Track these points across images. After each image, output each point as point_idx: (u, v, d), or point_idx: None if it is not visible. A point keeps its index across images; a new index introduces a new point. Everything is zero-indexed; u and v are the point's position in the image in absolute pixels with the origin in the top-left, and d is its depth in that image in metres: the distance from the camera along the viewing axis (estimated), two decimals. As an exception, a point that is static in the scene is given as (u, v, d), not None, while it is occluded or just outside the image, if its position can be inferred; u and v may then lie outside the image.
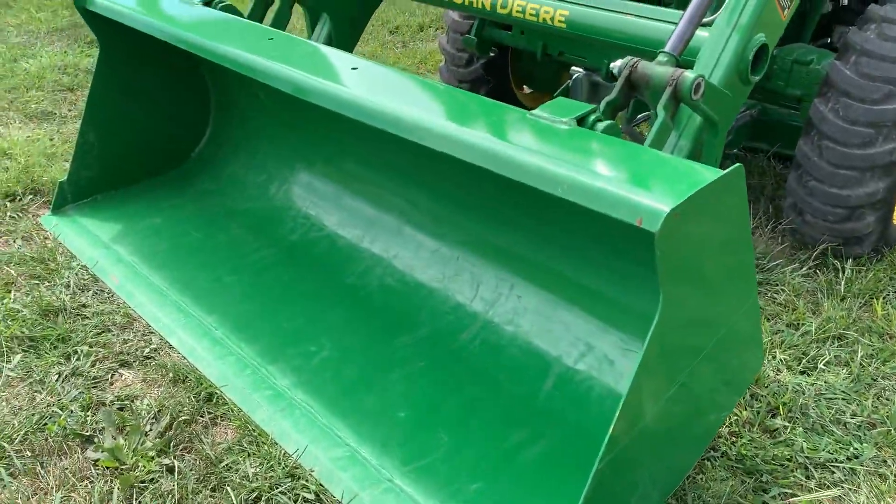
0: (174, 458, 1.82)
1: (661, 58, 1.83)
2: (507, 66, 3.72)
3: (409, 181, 2.50)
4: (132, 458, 1.80)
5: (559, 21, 2.42)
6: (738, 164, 1.42)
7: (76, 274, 2.53)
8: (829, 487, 1.82)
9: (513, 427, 1.91)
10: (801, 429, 1.96)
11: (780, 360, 2.23)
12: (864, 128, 2.48)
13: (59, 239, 2.68)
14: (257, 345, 2.21)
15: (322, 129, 2.71)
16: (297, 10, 2.92)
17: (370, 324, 2.28)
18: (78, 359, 2.13)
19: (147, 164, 3.04)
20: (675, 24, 2.13)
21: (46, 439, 1.86)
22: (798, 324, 2.41)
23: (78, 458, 1.82)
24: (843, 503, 1.80)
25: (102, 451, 1.79)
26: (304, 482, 1.77)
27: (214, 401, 2.00)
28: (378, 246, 2.50)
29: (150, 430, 1.87)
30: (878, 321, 2.43)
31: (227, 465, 1.82)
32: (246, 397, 2.01)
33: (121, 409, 1.97)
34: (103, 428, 1.87)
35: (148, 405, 1.97)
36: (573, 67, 3.13)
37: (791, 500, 1.79)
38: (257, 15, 2.81)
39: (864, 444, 1.93)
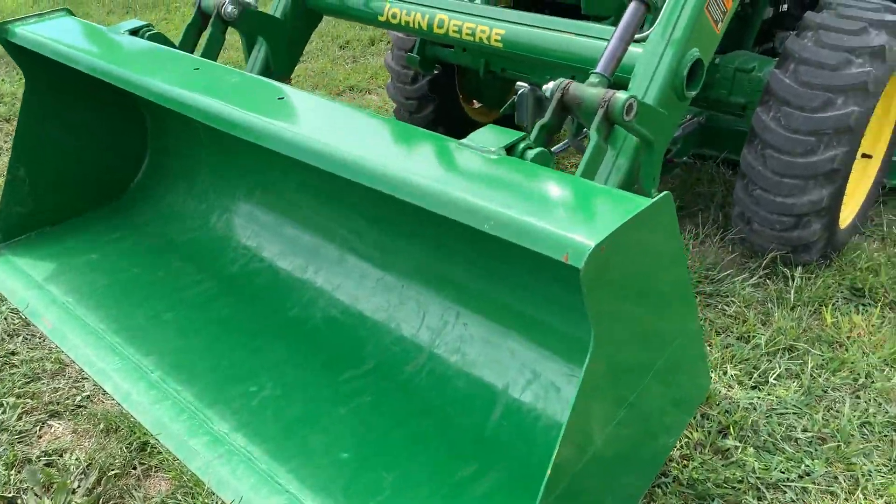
0: (105, 514, 1.74)
1: (592, 79, 1.80)
2: (455, 82, 3.68)
3: (351, 209, 2.44)
4: (59, 518, 1.71)
5: (495, 40, 2.38)
6: (665, 193, 1.38)
7: (5, 319, 2.43)
8: (781, 508, 1.79)
9: (460, 461, 1.86)
10: (752, 448, 1.93)
11: (732, 375, 2.21)
12: (806, 136, 2.48)
13: (-10, 281, 2.57)
14: (195, 386, 2.13)
15: (262, 157, 2.64)
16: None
17: (314, 358, 2.21)
18: (3, 412, 2.03)
19: (83, 198, 2.94)
20: (601, 38, 2.12)
21: (-33, 502, 1.77)
22: (749, 336, 2.39)
23: (1, 521, 1.72)
24: (796, 523, 1.77)
25: (27, 513, 1.71)
26: (242, 533, 1.70)
27: (148, 450, 1.92)
28: (321, 276, 2.44)
29: (79, 486, 1.79)
30: (828, 329, 2.42)
31: (161, 519, 1.74)
32: (182, 444, 1.92)
33: (48, 464, 1.88)
34: (27, 488, 1.77)
35: (77, 459, 1.88)
36: (518, 83, 3.09)
37: (744, 523, 1.77)
38: (189, 42, 2.73)
39: (816, 461, 1.91)
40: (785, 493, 1.83)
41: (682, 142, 3.21)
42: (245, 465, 1.85)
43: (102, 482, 1.80)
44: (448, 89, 3.67)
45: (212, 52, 2.68)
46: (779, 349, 2.32)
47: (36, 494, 1.75)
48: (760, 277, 2.68)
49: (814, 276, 2.68)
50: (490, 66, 2.97)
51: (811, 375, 2.22)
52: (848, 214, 2.89)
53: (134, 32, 2.53)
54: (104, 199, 2.99)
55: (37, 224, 2.83)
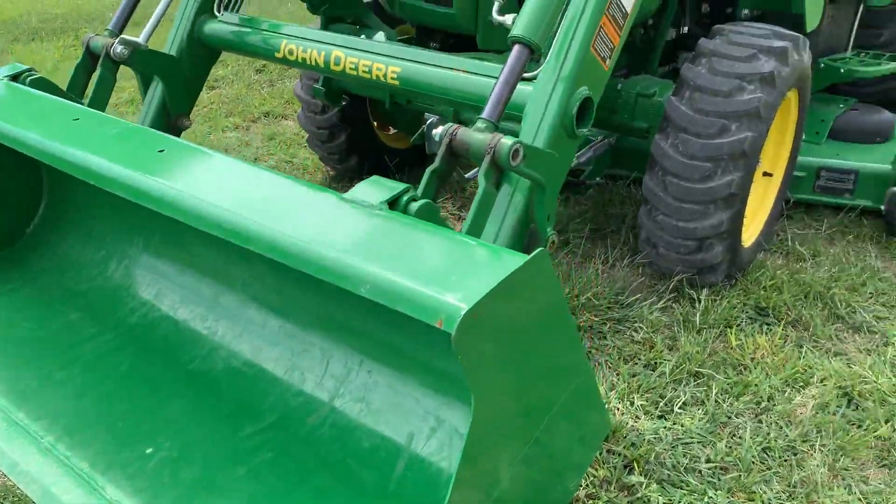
0: None
1: (479, 124, 1.78)
2: (367, 110, 3.64)
3: (251, 256, 2.36)
4: None
5: (392, 78, 2.35)
6: (540, 250, 1.37)
7: None
8: (685, 543, 1.80)
9: (365, 517, 1.81)
10: (656, 483, 1.94)
11: (639, 405, 2.22)
12: (703, 162, 2.52)
13: None
14: (89, 451, 2.02)
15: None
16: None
17: (214, 413, 2.13)
18: None
19: (-30, 249, 2.79)
20: (495, 77, 2.11)
21: None
22: (656, 363, 2.41)
23: None
24: (699, 558, 1.78)
25: None
26: None
27: (34, 527, 1.81)
28: (222, 325, 2.36)
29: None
30: (733, 352, 2.46)
31: None
32: (71, 519, 1.83)
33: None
34: None
35: (-47, 544, 1.76)
36: (427, 113, 3.08)
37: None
38: (78, 83, 2.62)
39: (718, 492, 1.93)
40: (688, 527, 1.85)
41: (594, 163, 3.24)
42: (138, 538, 1.76)
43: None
44: (360, 117, 3.62)
45: (101, 95, 2.58)
46: (685, 375, 2.35)
47: None
48: (668, 301, 2.71)
49: (719, 297, 2.72)
50: (395, 97, 2.94)
51: (716, 401, 2.25)
52: (751, 233, 2.96)
53: (14, 78, 2.41)
54: (-4, 249, 2.85)
55: (-80, 279, 2.68)
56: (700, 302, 2.68)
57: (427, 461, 1.89)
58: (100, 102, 2.58)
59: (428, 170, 1.78)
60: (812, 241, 3.22)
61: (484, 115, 1.79)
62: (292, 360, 2.17)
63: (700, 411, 2.21)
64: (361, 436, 1.99)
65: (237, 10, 2.87)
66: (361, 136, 3.66)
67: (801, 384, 2.34)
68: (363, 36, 2.65)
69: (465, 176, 3.13)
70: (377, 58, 2.40)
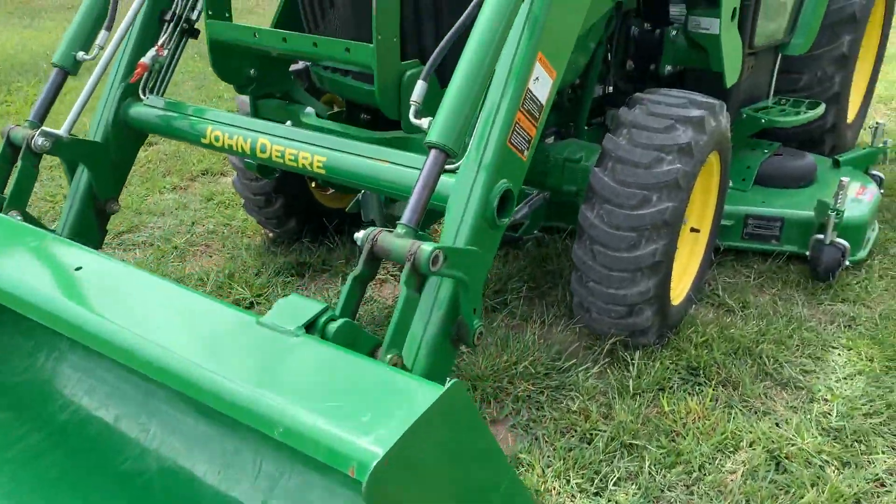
0: None
1: (399, 230, 1.80)
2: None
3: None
4: None
5: (318, 167, 2.37)
6: (455, 381, 1.39)
7: None
8: None
9: None
10: (590, 570, 1.97)
11: (574, 484, 2.25)
12: (628, 232, 2.59)
13: None
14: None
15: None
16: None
17: (147, 519, 2.10)
18: None
19: None
20: (420, 168, 2.14)
21: None
22: (592, 435, 2.45)
23: None
24: None
25: None
26: None
27: None
28: (156, 422, 2.32)
29: None
30: (665, 419, 2.52)
31: None
32: None
33: None
34: None
35: None
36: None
37: None
38: (1, 175, 2.58)
39: (651, 574, 1.97)
40: None
41: (531, 217, 3.29)
42: None
43: None
44: (296, 180, 3.62)
45: (23, 189, 2.54)
46: (619, 448, 2.39)
47: None
48: (603, 365, 2.76)
49: (652, 359, 2.79)
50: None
51: (649, 473, 2.29)
52: (682, 289, 3.03)
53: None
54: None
55: None
56: (634, 364, 2.73)
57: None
58: (21, 196, 2.53)
59: (350, 276, 1.79)
60: (741, 290, 3.31)
61: (403, 220, 1.81)
62: (224, 461, 2.16)
63: (633, 486, 2.25)
64: (297, 540, 1.98)
65: (162, 94, 2.86)
66: (299, 199, 3.65)
67: (732, 449, 2.40)
68: (289, 123, 2.66)
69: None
70: (303, 146, 2.41)
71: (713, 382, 2.70)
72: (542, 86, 2.12)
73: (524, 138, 2.10)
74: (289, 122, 2.68)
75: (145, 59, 2.72)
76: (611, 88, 3.52)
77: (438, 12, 2.56)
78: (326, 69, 2.91)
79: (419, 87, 1.99)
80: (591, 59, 3.21)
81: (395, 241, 1.77)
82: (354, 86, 2.78)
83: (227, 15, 2.69)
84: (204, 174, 4.77)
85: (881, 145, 4.05)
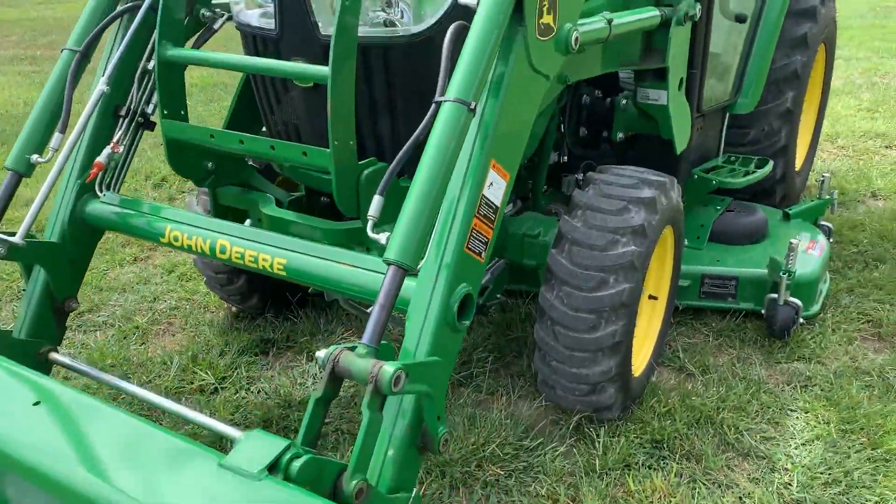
0: None
1: (360, 350, 1.82)
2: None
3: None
4: None
5: (278, 269, 2.39)
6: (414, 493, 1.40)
7: None
8: None
9: None
10: None
11: (544, 576, 2.28)
12: (587, 314, 2.64)
13: None
14: None
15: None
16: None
17: None
18: None
19: None
20: (378, 272, 2.17)
21: None
22: (560, 521, 2.48)
23: None
24: None
25: None
26: None
27: None
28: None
29: None
30: (632, 499, 2.56)
31: None
32: None
33: None
34: None
35: None
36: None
37: None
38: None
39: None
40: None
41: (493, 283, 3.32)
42: None
43: None
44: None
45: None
46: (587, 533, 2.42)
47: None
48: (570, 444, 2.80)
49: (617, 433, 2.83)
50: None
51: (618, 560, 2.32)
52: (643, 358, 3.09)
53: None
54: None
55: None
56: (599, 442, 2.77)
57: None
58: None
59: (312, 397, 1.81)
60: (701, 351, 3.39)
61: (364, 339, 1.84)
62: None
63: (603, 575, 2.28)
64: None
65: (118, 189, 2.85)
66: (261, 275, 3.64)
67: (697, 528, 2.44)
68: (248, 222, 2.68)
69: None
70: (263, 248, 2.43)
71: (677, 455, 2.75)
72: (497, 189, 2.17)
73: (481, 241, 2.14)
74: (248, 221, 2.70)
75: (101, 158, 2.72)
76: (565, 158, 3.59)
77: (393, 107, 2.61)
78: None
79: (376, 202, 2.02)
80: (546, 130, 3.28)
81: (357, 361, 1.79)
82: (312, 175, 2.81)
83: (182, 113, 2.71)
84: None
85: (828, 197, 4.19)
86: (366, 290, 2.25)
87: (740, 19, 3.78)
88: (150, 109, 2.90)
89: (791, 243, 3.37)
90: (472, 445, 2.79)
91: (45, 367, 2.64)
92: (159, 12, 2.57)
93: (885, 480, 2.61)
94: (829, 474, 2.65)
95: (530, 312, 3.68)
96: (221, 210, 3.02)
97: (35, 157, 2.61)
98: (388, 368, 1.75)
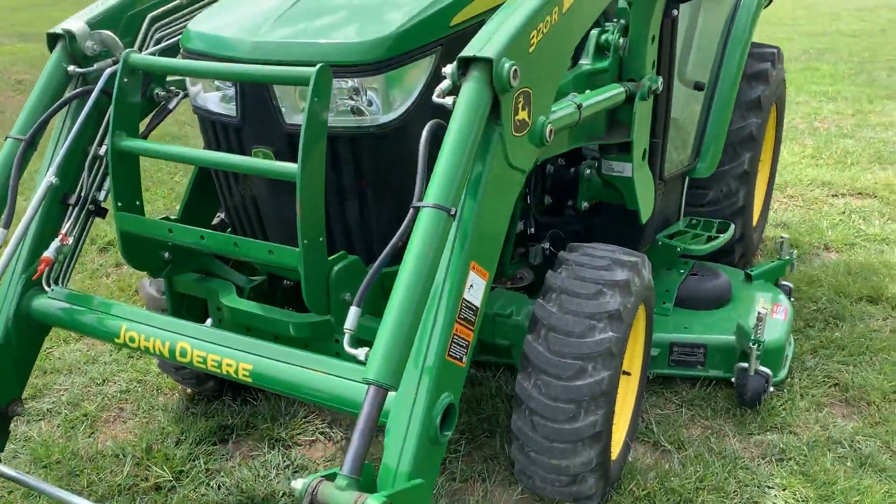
0: None
1: (340, 481, 1.71)
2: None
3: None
4: None
5: (243, 374, 2.25)
6: None
7: None
8: None
9: None
10: None
11: None
12: (566, 404, 2.56)
13: None
14: None
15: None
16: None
17: None
18: None
19: None
20: (353, 380, 2.06)
21: None
22: None
23: None
24: None
25: None
26: None
27: None
28: None
29: None
30: None
31: None
32: None
33: None
34: None
35: None
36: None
37: None
38: None
39: None
40: None
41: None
42: None
43: None
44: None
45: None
46: None
47: None
48: (550, 536, 2.70)
49: (598, 522, 2.75)
50: None
51: None
52: (618, 440, 3.02)
53: None
54: None
55: None
56: (580, 533, 2.68)
57: None
58: None
59: None
60: (674, 424, 3.35)
61: (344, 469, 1.72)
62: None
63: None
64: None
65: (66, 282, 2.69)
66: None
67: None
68: (209, 322, 2.54)
69: None
70: (226, 351, 2.29)
71: (660, 544, 2.68)
72: (477, 290, 2.09)
73: (462, 347, 2.06)
74: (209, 321, 2.56)
75: (49, 253, 2.55)
76: (532, 229, 3.55)
77: (362, 195, 2.52)
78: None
79: (353, 315, 1.92)
80: (512, 202, 3.23)
81: (338, 495, 1.68)
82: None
83: (137, 204, 2.57)
84: (112, 316, 4.51)
85: (788, 257, 4.24)
86: (339, 399, 2.13)
87: (699, 87, 3.82)
88: (101, 196, 2.76)
89: (759, 313, 3.37)
90: (449, 544, 2.67)
91: (-15, 480, 2.44)
92: (114, 100, 2.44)
93: (869, 563, 2.58)
94: (814, 559, 2.61)
95: (500, 386, 3.60)
96: (177, 298, 2.88)
97: (-24, 255, 2.44)
98: (373, 502, 1.64)
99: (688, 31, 3.69)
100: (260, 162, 2.35)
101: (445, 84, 2.10)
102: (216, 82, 2.48)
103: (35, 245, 2.60)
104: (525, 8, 2.16)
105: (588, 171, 3.52)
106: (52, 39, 2.66)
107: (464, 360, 2.08)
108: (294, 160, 2.44)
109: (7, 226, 2.45)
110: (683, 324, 3.69)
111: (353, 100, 2.41)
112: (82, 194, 2.70)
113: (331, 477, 1.73)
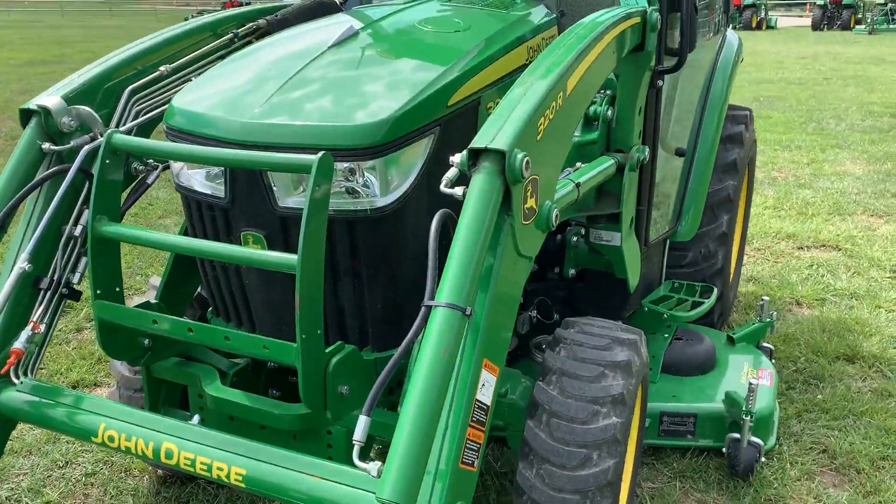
0: None
1: None
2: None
3: None
4: None
5: (236, 479, 2.10)
6: None
7: None
8: None
9: None
10: None
11: None
12: (571, 495, 2.45)
13: None
14: None
15: None
16: None
17: None
18: None
19: None
20: (358, 488, 1.94)
21: None
22: None
23: None
24: None
25: None
26: None
27: None
28: None
29: None
30: None
31: None
32: None
33: None
34: None
35: None
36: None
37: None
38: None
39: None
40: None
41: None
42: None
43: None
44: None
45: None
46: None
47: None
48: None
49: None
50: None
51: None
52: (618, 519, 2.93)
53: None
54: None
55: None
56: None
57: None
58: None
59: None
60: (668, 497, 3.27)
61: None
62: None
63: None
64: None
65: (34, 373, 2.50)
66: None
67: None
68: (196, 419, 2.39)
69: None
70: (217, 454, 2.14)
71: None
72: (488, 388, 2.00)
73: (475, 450, 1.95)
74: (196, 418, 2.40)
75: (19, 345, 2.37)
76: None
77: (357, 277, 2.42)
78: (228, 322, 2.68)
79: (362, 424, 1.80)
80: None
81: None
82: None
83: (117, 290, 2.41)
84: (75, 387, 4.28)
85: (769, 319, 4.25)
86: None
87: (680, 153, 3.84)
88: (74, 279, 2.59)
89: (751, 384, 3.34)
90: None
91: None
92: (95, 182, 2.29)
93: None
94: None
95: (488, 462, 3.48)
96: (155, 384, 2.71)
97: (-60, 349, 2.25)
98: None
99: (668, 98, 3.71)
100: (257, 253, 2.22)
101: (452, 173, 2.02)
102: None
103: (3, 336, 2.41)
104: (532, 96, 2.11)
105: (575, 239, 3.47)
106: (26, 115, 2.51)
107: (476, 464, 1.97)
108: (286, 244, 2.34)
109: (-26, 317, 2.28)
110: (672, 392, 3.64)
111: (349, 180, 2.32)
112: (55, 277, 2.53)
113: None
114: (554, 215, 2.25)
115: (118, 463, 3.57)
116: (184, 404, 2.82)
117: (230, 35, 3.13)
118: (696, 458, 3.52)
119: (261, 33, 3.27)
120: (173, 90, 2.83)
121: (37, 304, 2.50)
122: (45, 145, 2.50)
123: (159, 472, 3.43)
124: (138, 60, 2.80)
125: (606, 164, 3.01)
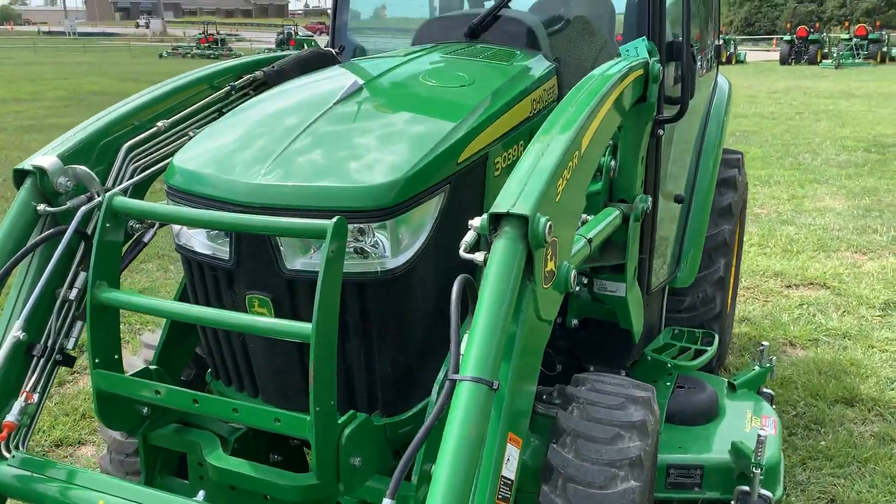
0: None
1: None
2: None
3: None
4: None
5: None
6: None
7: None
8: None
9: None
10: None
11: None
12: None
13: None
14: None
15: None
16: None
17: None
18: None
19: None
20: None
21: None
22: None
23: None
24: None
25: None
26: None
27: None
28: None
29: None
30: None
31: None
32: None
33: None
34: None
35: None
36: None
37: None
38: None
39: None
40: None
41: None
42: None
43: None
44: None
45: None
46: None
47: None
48: None
49: None
50: None
51: None
52: (632, 583, 2.84)
53: None
54: None
55: None
56: None
57: None
58: None
59: None
60: (680, 555, 3.19)
61: None
62: None
63: None
64: None
65: (26, 445, 2.38)
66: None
67: None
68: (202, 495, 2.27)
69: None
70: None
71: None
72: (513, 463, 1.92)
73: (504, 494, 1.87)
74: (201, 494, 2.29)
75: (11, 417, 2.25)
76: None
77: (367, 339, 2.33)
78: (229, 385, 2.58)
79: (387, 507, 1.71)
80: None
81: None
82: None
83: (116, 358, 2.31)
84: (58, 446, 4.11)
85: (768, 364, 4.22)
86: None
87: (679, 200, 3.83)
88: (69, 344, 2.48)
89: (759, 436, 3.29)
90: None
91: None
92: (95, 247, 2.20)
93: None
94: None
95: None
96: (152, 452, 2.59)
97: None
98: None
99: (667, 142, 3.71)
100: (268, 322, 2.13)
101: (471, 237, 1.97)
102: None
103: (-7, 406, 2.29)
104: (551, 156, 2.07)
105: (577, 289, 3.42)
106: (20, 176, 2.42)
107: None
108: (293, 308, 2.26)
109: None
110: (677, 443, 3.58)
111: (359, 240, 2.25)
112: (48, 343, 2.42)
113: None
114: (572, 276, 2.20)
115: None
116: (180, 470, 2.70)
117: (227, 88, 3.07)
118: (704, 512, 3.45)
119: (257, 85, 3.21)
120: (171, 146, 2.76)
121: (29, 373, 2.38)
122: (41, 206, 2.40)
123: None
124: (135, 116, 2.73)
125: (613, 215, 2.98)
